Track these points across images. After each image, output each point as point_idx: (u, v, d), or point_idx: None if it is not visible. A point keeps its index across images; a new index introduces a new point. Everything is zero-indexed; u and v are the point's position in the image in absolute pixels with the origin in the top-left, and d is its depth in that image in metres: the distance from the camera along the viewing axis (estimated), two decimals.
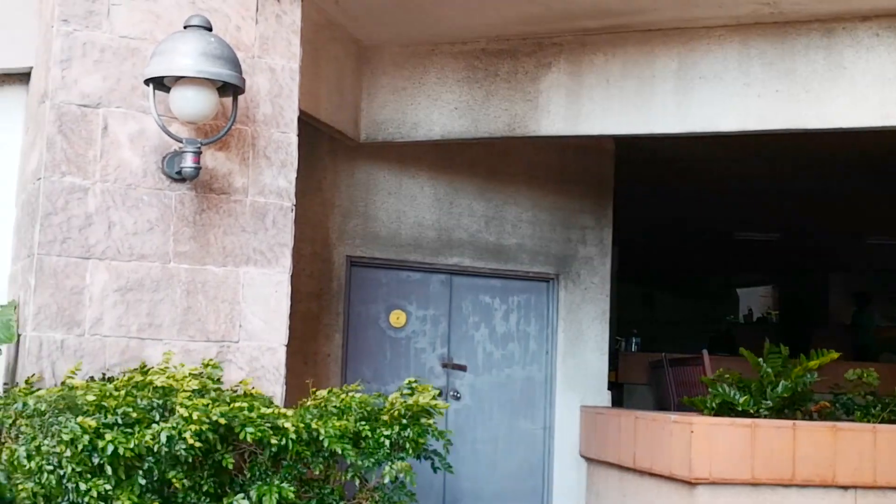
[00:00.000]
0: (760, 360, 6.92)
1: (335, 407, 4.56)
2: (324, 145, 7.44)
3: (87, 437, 3.90)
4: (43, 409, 4.03)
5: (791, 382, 6.71)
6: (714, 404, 6.82)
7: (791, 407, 6.84)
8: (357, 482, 4.58)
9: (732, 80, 6.41)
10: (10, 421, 4.20)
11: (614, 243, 8.96)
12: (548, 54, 6.85)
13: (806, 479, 6.42)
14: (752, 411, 6.67)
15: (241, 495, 4.22)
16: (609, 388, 8.76)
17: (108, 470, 3.95)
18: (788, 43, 6.32)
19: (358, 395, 4.67)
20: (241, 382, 4.78)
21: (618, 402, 10.32)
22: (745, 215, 13.26)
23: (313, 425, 4.32)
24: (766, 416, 6.65)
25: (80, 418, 3.94)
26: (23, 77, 5.22)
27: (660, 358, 10.75)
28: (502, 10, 6.41)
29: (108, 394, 4.11)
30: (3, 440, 4.25)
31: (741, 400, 6.70)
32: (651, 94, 6.59)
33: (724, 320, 19.66)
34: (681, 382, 9.95)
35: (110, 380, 4.52)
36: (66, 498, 3.96)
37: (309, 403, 4.62)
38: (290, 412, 4.40)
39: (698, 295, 19.95)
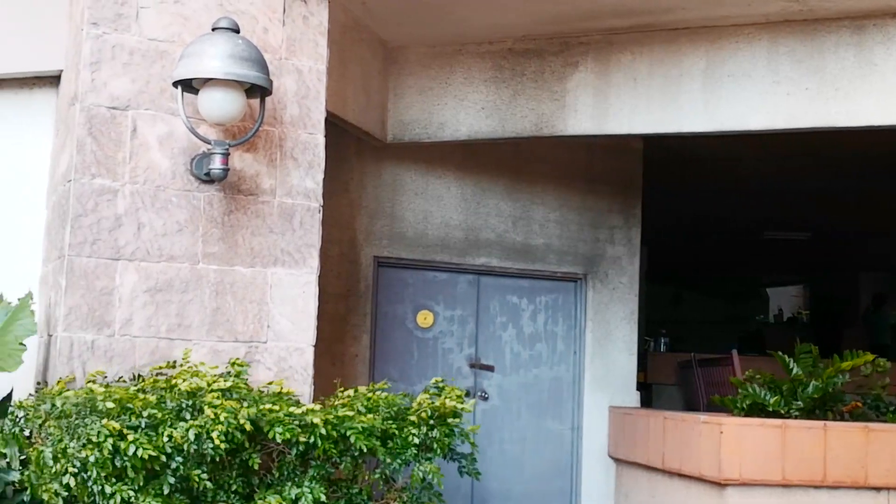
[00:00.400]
0: (790, 359, 6.86)
1: (363, 406, 4.57)
2: (350, 146, 7.45)
3: (110, 440, 3.92)
4: (69, 410, 4.06)
5: (822, 383, 6.65)
6: (744, 405, 6.77)
7: (822, 408, 6.77)
8: (383, 483, 4.59)
9: (761, 78, 6.37)
10: (39, 421, 4.24)
11: (643, 243, 8.91)
12: (574, 54, 6.83)
13: (837, 481, 6.35)
14: (782, 412, 6.62)
15: (273, 493, 4.23)
16: (638, 389, 8.73)
17: (131, 473, 3.96)
18: (818, 40, 6.27)
19: (385, 393, 4.68)
20: (270, 383, 4.80)
21: (646, 402, 10.29)
22: (774, 214, 13.16)
23: (340, 414, 4.32)
24: (796, 417, 6.59)
25: (104, 421, 3.95)
26: (53, 80, 5.27)
27: (689, 358, 10.68)
28: (528, 10, 6.40)
29: (130, 398, 4.12)
30: (33, 441, 4.29)
31: (772, 400, 6.64)
32: (679, 92, 6.56)
33: (754, 320, 19.52)
34: (710, 383, 9.88)
35: (140, 378, 4.55)
36: (92, 501, 3.99)
37: (336, 403, 4.63)
38: (317, 407, 4.41)
39: (727, 295, 19.81)
